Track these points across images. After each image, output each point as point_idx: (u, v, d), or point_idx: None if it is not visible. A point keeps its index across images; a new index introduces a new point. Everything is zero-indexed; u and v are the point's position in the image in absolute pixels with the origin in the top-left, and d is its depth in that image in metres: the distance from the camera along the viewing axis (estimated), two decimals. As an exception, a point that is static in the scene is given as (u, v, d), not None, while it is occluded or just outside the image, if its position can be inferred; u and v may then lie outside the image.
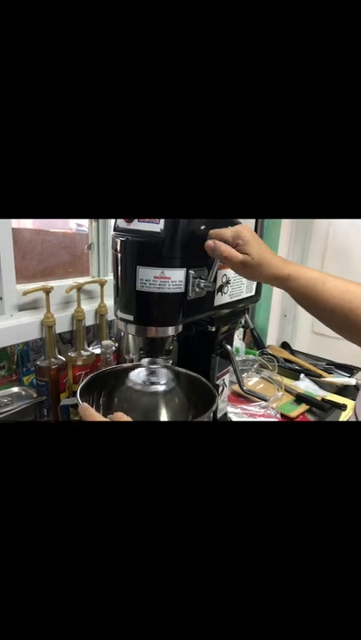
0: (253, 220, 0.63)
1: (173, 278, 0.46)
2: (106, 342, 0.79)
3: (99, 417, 0.43)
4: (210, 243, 0.46)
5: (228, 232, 0.47)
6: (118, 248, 0.47)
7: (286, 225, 1.39)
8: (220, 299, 0.57)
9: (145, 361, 0.55)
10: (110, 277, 0.89)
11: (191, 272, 0.47)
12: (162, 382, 0.54)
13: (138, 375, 0.55)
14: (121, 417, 0.45)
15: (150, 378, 0.54)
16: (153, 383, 0.54)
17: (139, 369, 0.56)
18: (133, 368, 0.59)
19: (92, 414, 0.44)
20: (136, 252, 0.45)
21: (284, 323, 1.50)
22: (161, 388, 0.53)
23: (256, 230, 0.63)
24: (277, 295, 1.48)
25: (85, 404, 0.45)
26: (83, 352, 0.76)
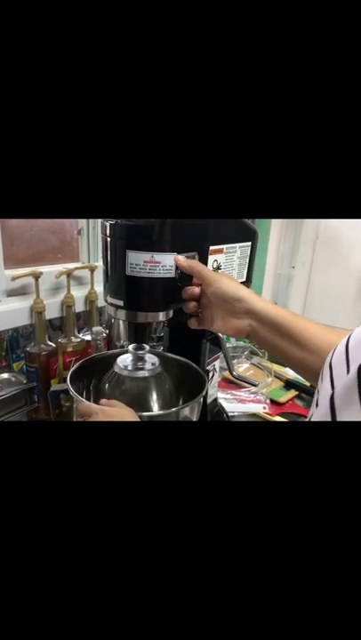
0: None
1: (164, 263, 0.46)
2: (96, 329, 0.78)
3: (94, 407, 0.44)
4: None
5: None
6: (108, 232, 0.46)
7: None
8: (211, 284, 0.57)
9: (131, 347, 0.54)
10: (100, 263, 0.88)
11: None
12: (148, 368, 0.54)
13: (125, 360, 0.55)
14: (115, 404, 0.45)
15: (137, 363, 0.54)
16: (139, 369, 0.53)
17: (126, 354, 0.56)
18: (124, 354, 0.59)
19: (88, 406, 0.44)
20: (125, 236, 0.45)
21: (275, 310, 1.51)
22: (147, 373, 0.53)
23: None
24: (268, 283, 1.48)
25: (85, 402, 0.45)
26: (73, 338, 0.76)
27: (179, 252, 0.47)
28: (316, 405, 0.33)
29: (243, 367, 1.01)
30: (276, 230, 1.43)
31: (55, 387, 0.71)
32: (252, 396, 0.86)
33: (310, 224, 1.41)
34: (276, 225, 1.41)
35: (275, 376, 0.96)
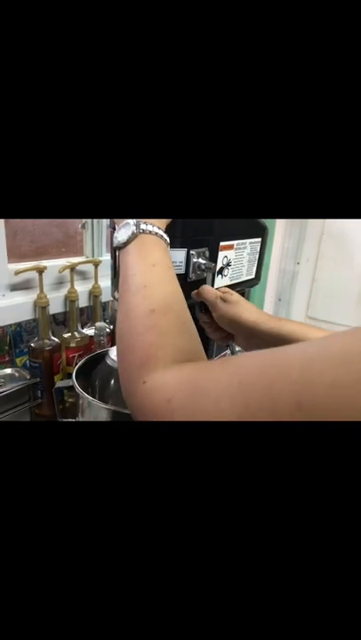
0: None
1: (174, 259, 0.45)
2: (100, 324, 0.77)
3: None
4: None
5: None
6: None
7: (283, 207, 1.37)
8: (221, 281, 0.55)
9: None
10: (104, 258, 0.87)
11: (192, 252, 0.46)
12: None
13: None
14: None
15: None
16: None
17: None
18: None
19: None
20: (135, 231, 0.43)
21: (279, 306, 1.50)
22: None
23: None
24: (272, 279, 1.47)
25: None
26: (76, 334, 0.75)
27: (189, 248, 0.46)
28: None
29: (247, 364, 1.00)
30: (281, 226, 1.42)
31: (60, 383, 0.70)
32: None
33: (316, 220, 1.40)
34: (281, 220, 1.39)
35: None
